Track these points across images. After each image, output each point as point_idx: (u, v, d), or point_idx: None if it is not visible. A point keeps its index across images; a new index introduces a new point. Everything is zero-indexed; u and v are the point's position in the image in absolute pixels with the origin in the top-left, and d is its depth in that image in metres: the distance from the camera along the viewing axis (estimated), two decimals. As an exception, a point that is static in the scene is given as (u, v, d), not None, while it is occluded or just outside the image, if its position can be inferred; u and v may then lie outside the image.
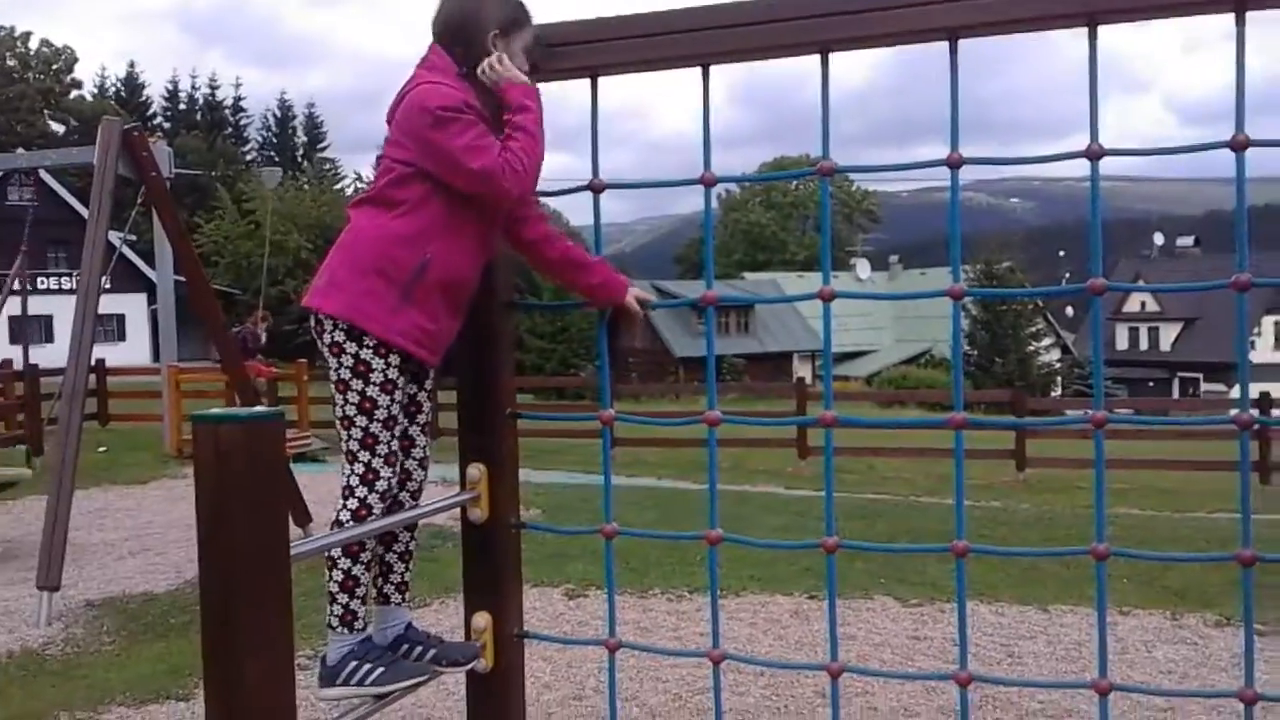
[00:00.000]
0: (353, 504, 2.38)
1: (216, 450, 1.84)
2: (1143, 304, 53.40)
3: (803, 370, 46.20)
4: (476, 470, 2.67)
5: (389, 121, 2.49)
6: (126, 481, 11.14)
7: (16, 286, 6.95)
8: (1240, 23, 2.20)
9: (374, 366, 2.37)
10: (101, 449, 13.53)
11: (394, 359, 2.39)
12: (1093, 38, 2.29)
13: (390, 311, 2.36)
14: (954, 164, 2.39)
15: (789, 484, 12.38)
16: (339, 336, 2.37)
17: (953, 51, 2.37)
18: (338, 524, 2.38)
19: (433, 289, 2.41)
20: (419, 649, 2.57)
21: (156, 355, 16.88)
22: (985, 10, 2.27)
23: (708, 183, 2.59)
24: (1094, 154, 2.32)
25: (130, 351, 36.43)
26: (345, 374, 2.38)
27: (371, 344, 2.36)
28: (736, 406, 23.43)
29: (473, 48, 2.48)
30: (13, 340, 17.16)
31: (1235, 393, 34.82)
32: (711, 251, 2.72)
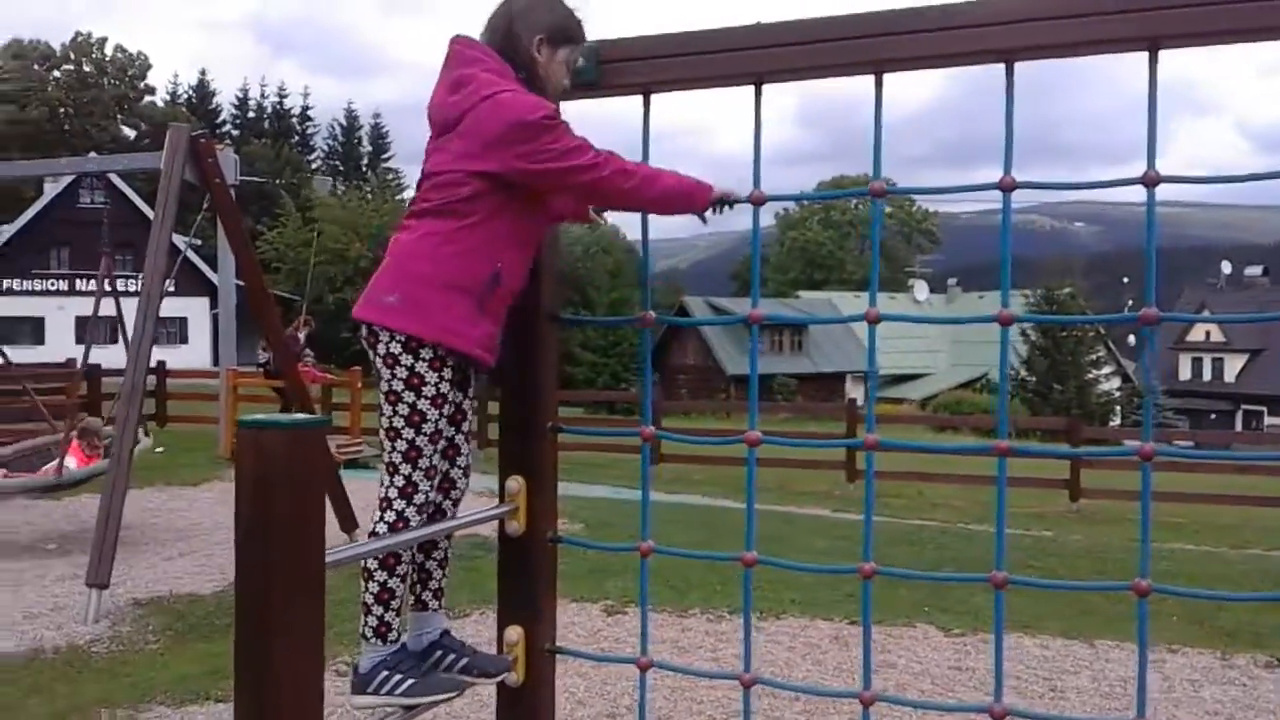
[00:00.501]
0: (390, 516, 2.40)
1: (258, 456, 1.86)
2: (1207, 334, 52.30)
3: (855, 391, 45.84)
4: (515, 483, 2.68)
5: (445, 129, 2.45)
6: (180, 483, 11.33)
7: (107, 287, 7.11)
8: None
9: (427, 380, 2.38)
10: (158, 449, 13.79)
11: (447, 373, 2.40)
12: (1153, 62, 2.25)
13: (470, 324, 2.39)
14: (1007, 187, 2.36)
15: (836, 507, 12.27)
16: (395, 349, 2.38)
17: (1009, 74, 2.34)
18: (374, 535, 2.40)
19: (504, 298, 2.46)
20: (452, 657, 2.58)
21: (217, 359, 17.15)
22: (1041, 33, 2.24)
23: (756, 201, 2.58)
24: (1150, 180, 2.28)
25: (192, 354, 37.08)
26: (398, 385, 2.39)
27: (428, 357, 2.37)
28: (786, 427, 23.28)
29: (516, 49, 2.48)
30: (77, 340, 17.56)
31: (1301, 428, 33.89)
32: (758, 269, 2.72)
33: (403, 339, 2.37)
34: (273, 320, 7.43)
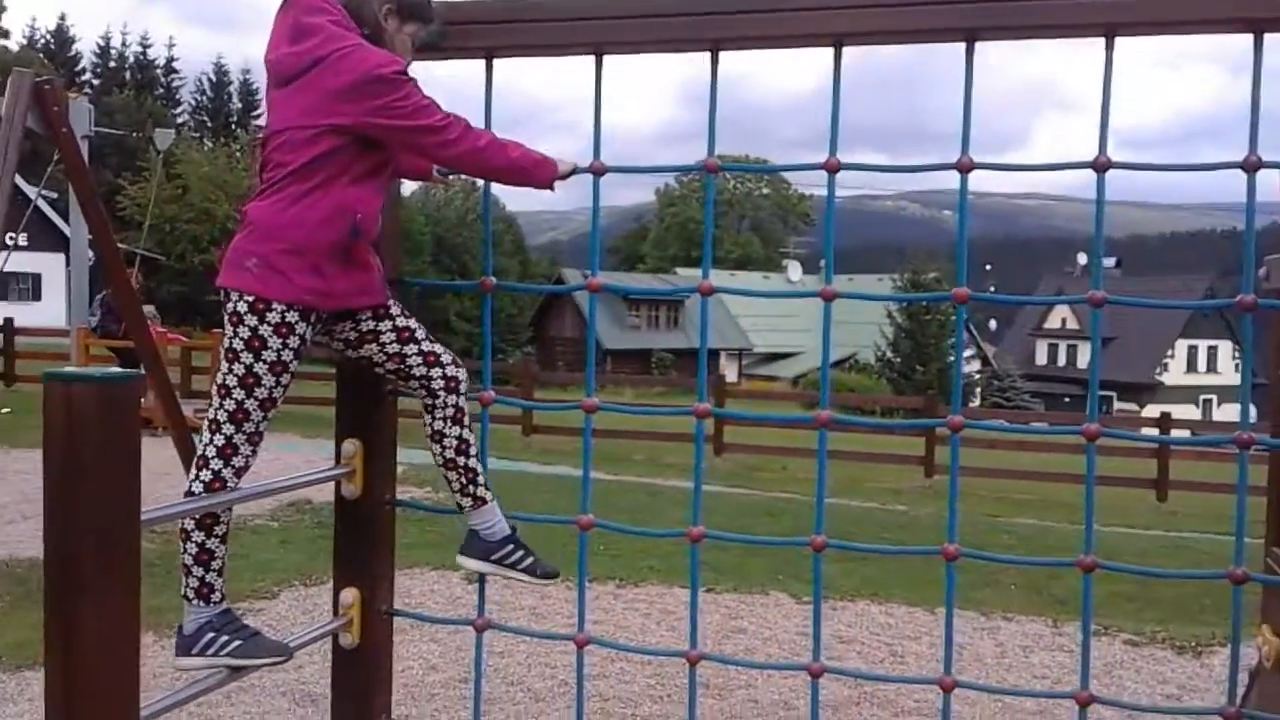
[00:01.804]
0: (206, 476, 2.36)
1: (68, 410, 1.82)
2: (1063, 321, 54.59)
3: (729, 368, 46.51)
4: (351, 445, 2.67)
5: (285, 81, 2.39)
6: (27, 445, 10.86)
7: None
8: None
9: (269, 344, 2.35)
10: (5, 410, 13.19)
11: (293, 340, 2.37)
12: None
13: (338, 279, 2.39)
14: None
15: (705, 480, 12.46)
16: (241, 308, 2.34)
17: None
18: (189, 495, 2.36)
19: (365, 244, 2.45)
20: (523, 554, 2.65)
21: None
22: (869, 20, 2.32)
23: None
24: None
25: (46, 312, 35.40)
26: (238, 345, 2.35)
27: (274, 321, 2.34)
28: (661, 400, 23.51)
29: (362, 12, 2.47)
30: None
31: (1146, 412, 35.70)
32: (597, 241, 2.76)
33: (250, 299, 2.34)
34: (121, 278, 7.16)
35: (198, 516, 2.36)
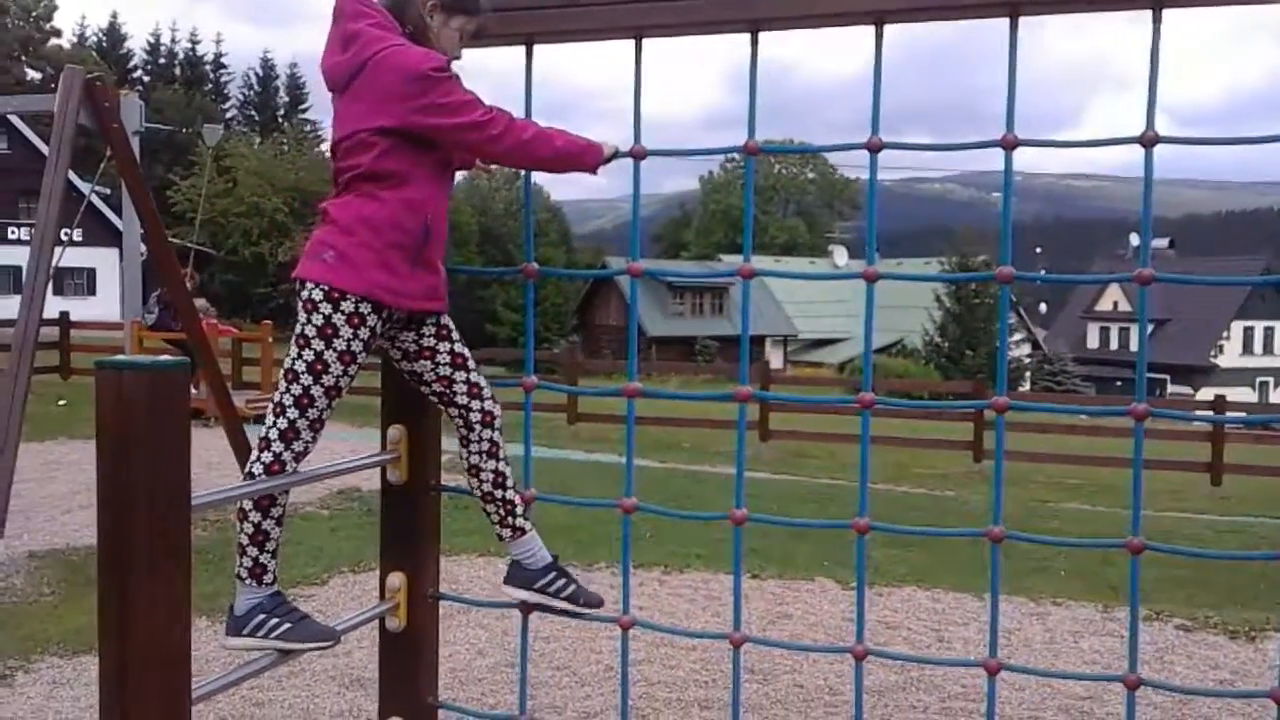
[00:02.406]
0: (267, 458, 2.40)
1: (119, 397, 1.86)
2: (1115, 304, 53.78)
3: (774, 354, 46.32)
4: (396, 431, 2.70)
5: (340, 88, 2.45)
6: (83, 436, 11.08)
7: (10, 236, 6.90)
8: None
9: (341, 333, 2.39)
10: (61, 402, 13.47)
11: (364, 332, 2.41)
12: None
13: (407, 279, 2.43)
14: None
15: (748, 466, 12.44)
16: (316, 295, 2.39)
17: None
18: (249, 476, 2.40)
19: (436, 247, 2.50)
20: (564, 582, 2.69)
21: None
22: None
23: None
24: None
25: (101, 306, 36.04)
26: (310, 331, 2.40)
27: (347, 310, 2.38)
28: (707, 388, 23.48)
29: (405, 10, 2.49)
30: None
31: (1200, 395, 35.09)
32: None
33: (325, 288, 2.39)
34: (172, 272, 7.28)
35: (256, 497, 2.40)
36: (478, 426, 2.60)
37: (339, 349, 2.39)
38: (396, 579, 2.73)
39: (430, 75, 2.36)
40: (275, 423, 2.42)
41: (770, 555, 6.80)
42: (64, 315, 17.25)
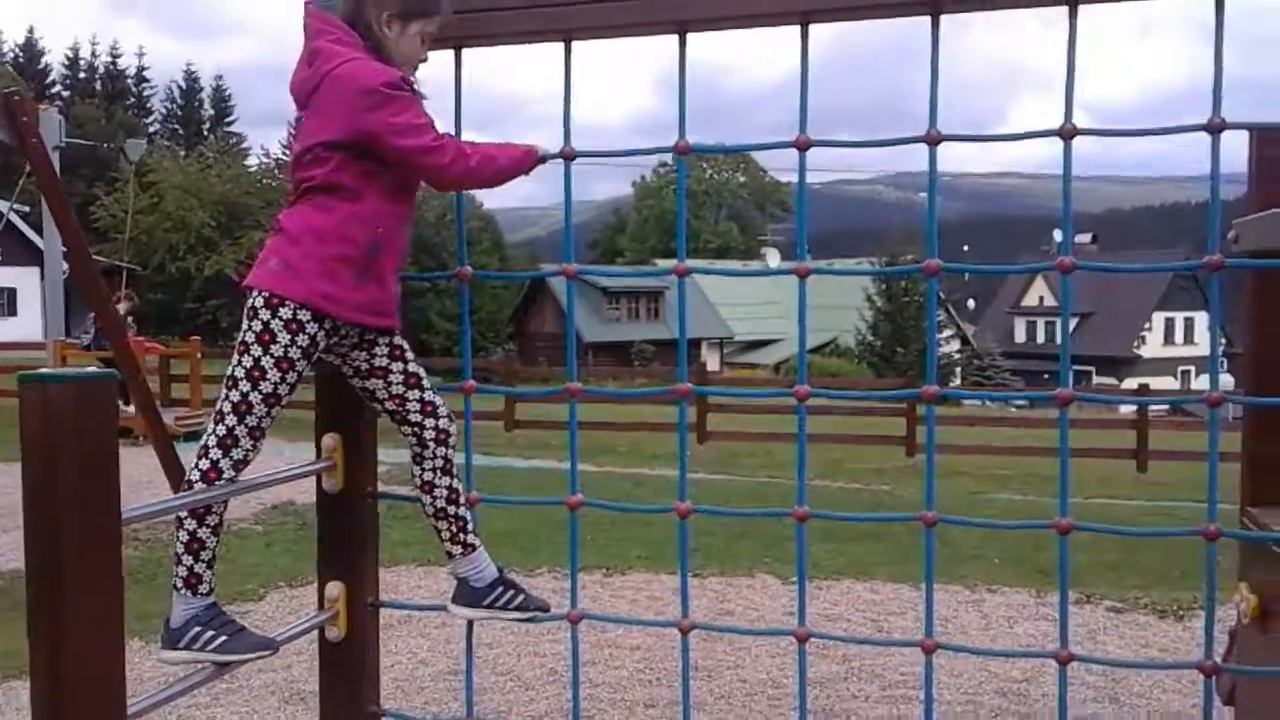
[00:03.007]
0: (204, 465, 2.37)
1: (45, 411, 1.82)
2: (1041, 299, 54.93)
3: (711, 357, 46.53)
4: (331, 439, 2.68)
5: (303, 104, 2.45)
6: (5, 459, 10.79)
7: None
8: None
9: (278, 339, 2.37)
10: (-18, 425, 13.09)
11: (302, 339, 2.39)
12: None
13: (351, 290, 2.41)
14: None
15: (689, 468, 12.49)
16: (257, 303, 2.38)
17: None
18: (187, 484, 2.37)
19: (388, 261, 2.49)
20: (512, 594, 2.69)
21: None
22: None
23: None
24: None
25: (23, 326, 35.13)
26: (249, 337, 2.39)
27: (285, 317, 2.37)
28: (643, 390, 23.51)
29: (362, 23, 2.46)
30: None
31: (1125, 385, 35.96)
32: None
33: (266, 294, 2.38)
34: (96, 290, 7.13)
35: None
36: (431, 444, 2.61)
37: (275, 355, 2.37)
38: (335, 588, 2.71)
39: (381, 90, 2.35)
40: (214, 429, 2.39)
41: (711, 553, 6.85)
42: (-17, 336, 16.81)
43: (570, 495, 2.74)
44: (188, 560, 2.39)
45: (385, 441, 2.89)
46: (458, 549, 2.66)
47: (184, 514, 2.38)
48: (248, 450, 2.41)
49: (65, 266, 13.52)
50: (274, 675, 4.55)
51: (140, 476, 8.82)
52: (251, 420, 2.39)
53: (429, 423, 2.60)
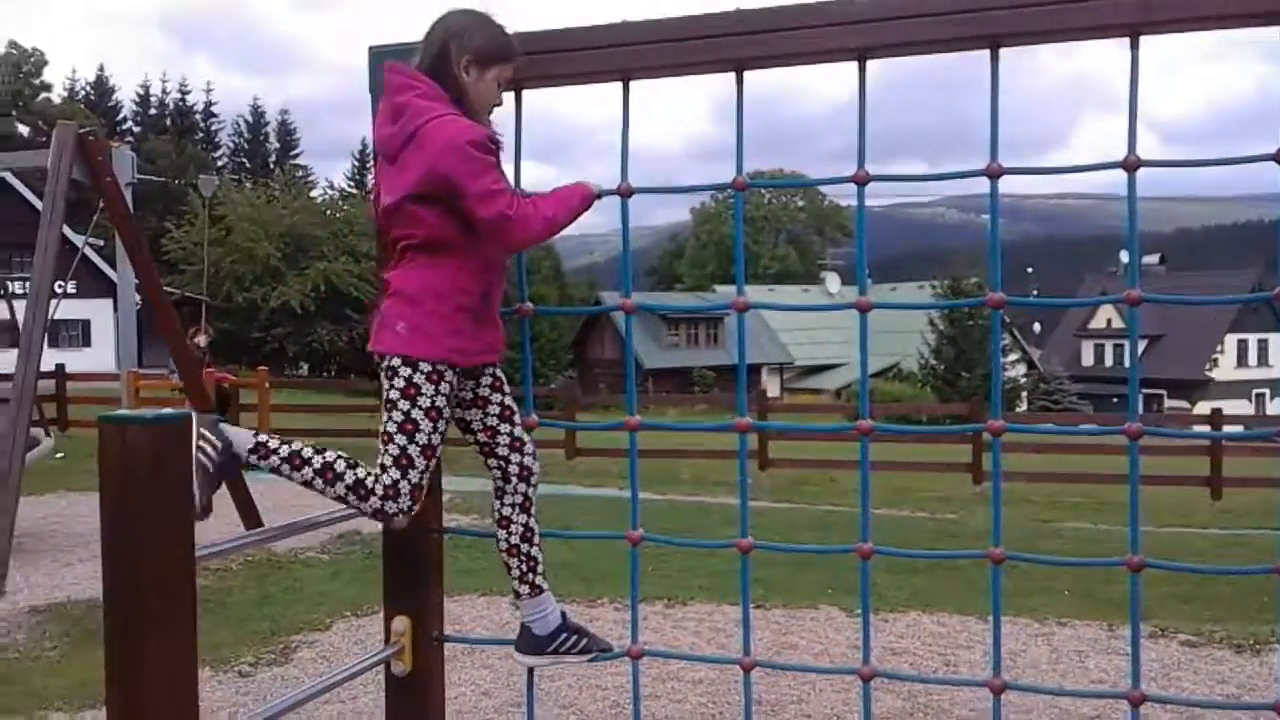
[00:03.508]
0: (374, 504, 2.52)
1: (123, 452, 1.88)
2: (1108, 321, 53.93)
3: (771, 382, 46.34)
4: (397, 475, 2.72)
5: (391, 158, 2.51)
6: (81, 488, 11.06)
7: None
8: None
9: (423, 391, 2.49)
10: (59, 455, 13.44)
11: (444, 387, 2.52)
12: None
13: (472, 339, 2.55)
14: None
15: (751, 495, 12.43)
16: (396, 363, 2.51)
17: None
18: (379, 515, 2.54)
19: (495, 303, 2.62)
20: (574, 638, 2.77)
21: (122, 362, 16.72)
22: (890, 33, 2.33)
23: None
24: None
25: (96, 358, 36.01)
26: (394, 394, 2.51)
27: (425, 370, 2.49)
28: (704, 418, 23.49)
29: (446, 72, 2.52)
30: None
31: (1198, 409, 35.12)
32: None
33: (401, 357, 2.50)
34: (168, 322, 7.32)
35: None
36: (514, 479, 2.68)
37: (424, 406, 2.50)
38: (400, 623, 2.74)
39: (467, 148, 2.42)
40: (379, 478, 2.51)
41: (774, 585, 6.79)
42: (59, 368, 17.27)
43: (631, 530, 2.74)
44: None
45: (448, 469, 2.93)
46: (525, 589, 2.69)
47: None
48: (411, 498, 2.53)
49: (138, 299, 13.87)
50: (341, 707, 4.59)
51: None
52: (413, 475, 2.51)
53: (514, 458, 2.68)
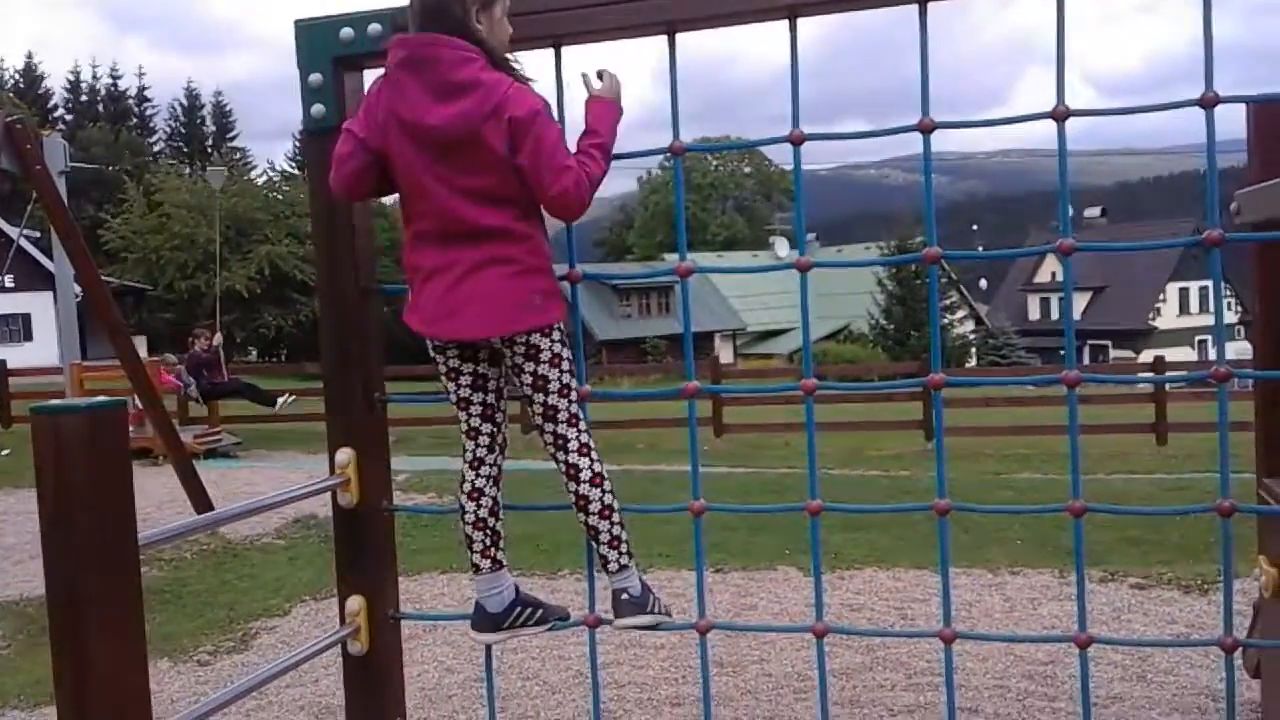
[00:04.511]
0: (466, 487, 2.67)
1: (57, 442, 1.84)
2: (1053, 274, 54.63)
3: (724, 349, 46.52)
4: (345, 454, 2.70)
5: (456, 144, 2.38)
6: (29, 485, 10.83)
7: None
8: None
9: (566, 339, 2.60)
10: (5, 452, 13.19)
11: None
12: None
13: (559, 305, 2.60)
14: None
15: (705, 462, 12.47)
16: (536, 339, 2.55)
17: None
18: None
19: None
20: (530, 610, 2.75)
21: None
22: None
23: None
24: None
25: (39, 352, 35.31)
26: (565, 352, 2.62)
27: (561, 331, 2.58)
28: (659, 387, 23.53)
29: (467, 28, 2.40)
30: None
31: (1142, 358, 35.76)
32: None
33: (546, 325, 2.56)
34: (107, 312, 7.18)
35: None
36: (497, 450, 2.69)
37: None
38: (355, 602, 2.73)
39: (549, 119, 2.43)
40: (586, 431, 2.64)
41: (732, 548, 6.85)
42: (1, 364, 16.92)
43: (693, 501, 2.75)
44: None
45: (404, 449, 2.91)
46: (487, 563, 2.67)
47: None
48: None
49: (78, 290, 13.57)
50: (303, 690, 4.58)
51: (162, 496, 8.88)
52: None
53: (505, 430, 2.71)
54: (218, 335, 13.98)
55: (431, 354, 2.59)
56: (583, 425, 2.59)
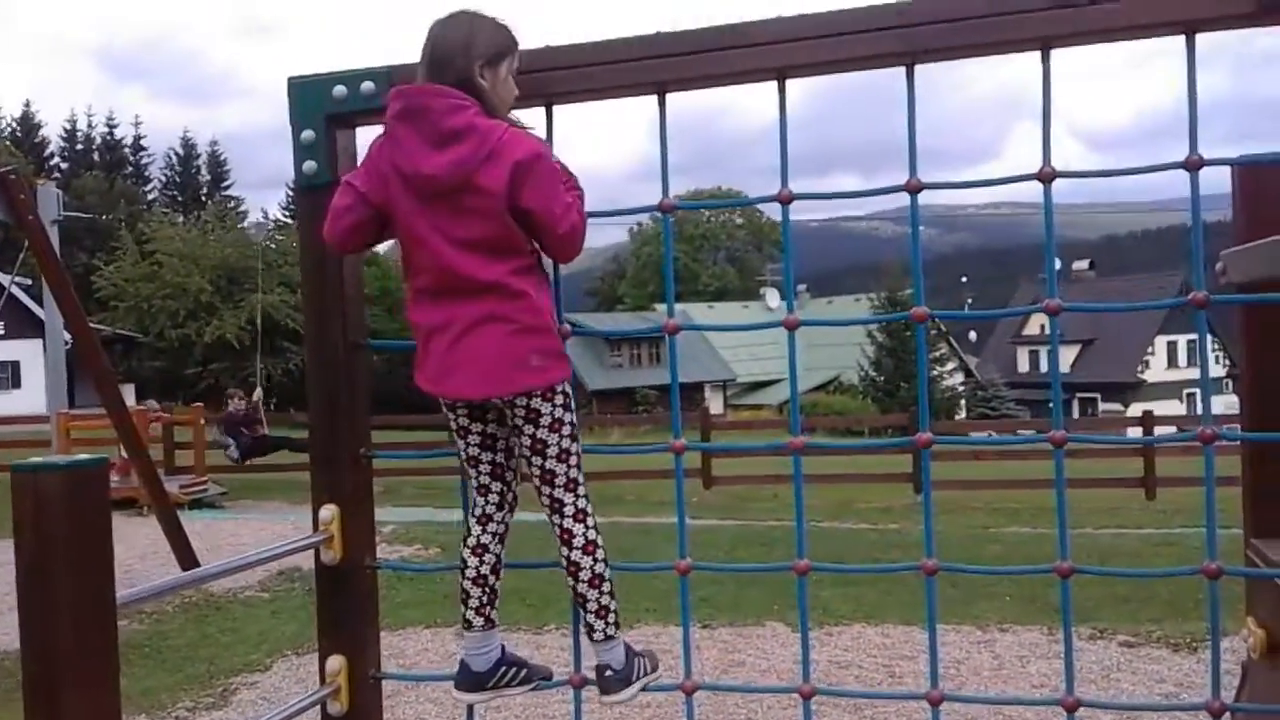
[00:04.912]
0: (471, 541, 2.62)
1: (36, 500, 1.82)
2: (1042, 327, 54.84)
3: (714, 399, 46.53)
4: (328, 511, 2.67)
5: (450, 190, 2.34)
6: (8, 535, 10.77)
7: None
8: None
9: (571, 403, 2.54)
10: (-13, 501, 13.10)
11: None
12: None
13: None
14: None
15: (693, 514, 12.45)
16: (536, 403, 2.48)
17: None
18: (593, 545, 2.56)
19: None
20: (514, 670, 2.67)
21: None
22: (939, 37, 2.34)
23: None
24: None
25: (27, 399, 35.14)
26: (567, 416, 2.53)
27: (567, 392, 2.52)
28: (648, 438, 23.49)
29: (472, 84, 2.38)
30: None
31: (1131, 411, 35.86)
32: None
33: (548, 385, 2.47)
34: (97, 361, 7.16)
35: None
36: (506, 509, 2.65)
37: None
38: (336, 661, 2.68)
39: (550, 160, 2.40)
40: (585, 497, 2.57)
41: (720, 603, 6.80)
42: (-13, 411, 16.84)
43: (679, 560, 2.71)
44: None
45: (389, 500, 2.88)
46: (480, 620, 2.61)
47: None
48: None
49: (68, 338, 13.51)
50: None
51: (145, 546, 8.80)
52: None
53: (515, 488, 2.67)
54: (257, 390, 14.04)
55: (444, 411, 2.59)
56: (581, 490, 2.55)
